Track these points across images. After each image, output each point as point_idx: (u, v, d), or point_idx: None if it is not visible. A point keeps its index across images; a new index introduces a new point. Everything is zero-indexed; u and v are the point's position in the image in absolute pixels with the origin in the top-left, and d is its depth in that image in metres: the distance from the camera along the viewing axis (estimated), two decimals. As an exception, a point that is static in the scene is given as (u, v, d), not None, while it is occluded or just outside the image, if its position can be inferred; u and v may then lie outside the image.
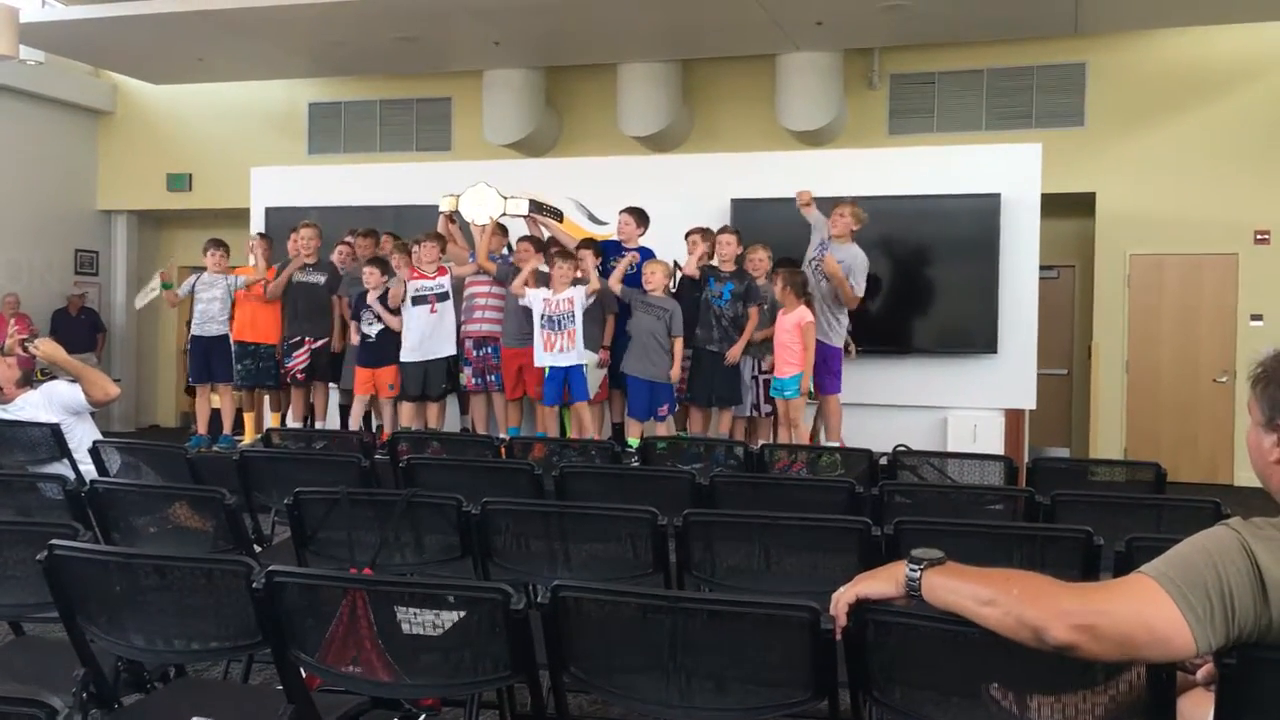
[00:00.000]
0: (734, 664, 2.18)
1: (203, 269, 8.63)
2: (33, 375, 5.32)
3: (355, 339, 7.94)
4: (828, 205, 7.55)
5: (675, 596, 2.39)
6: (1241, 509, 3.90)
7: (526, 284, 7.37)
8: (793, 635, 2.07)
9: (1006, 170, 8.49)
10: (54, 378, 5.63)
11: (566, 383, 7.27)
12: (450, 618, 2.29)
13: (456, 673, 2.34)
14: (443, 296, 7.69)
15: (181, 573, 2.48)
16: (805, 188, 7.66)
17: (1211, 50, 10.33)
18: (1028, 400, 8.47)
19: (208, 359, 8.48)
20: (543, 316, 7.22)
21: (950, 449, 8.05)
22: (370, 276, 7.76)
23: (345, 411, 8.59)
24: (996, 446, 8.21)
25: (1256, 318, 10.19)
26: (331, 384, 8.48)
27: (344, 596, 2.33)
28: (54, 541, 2.47)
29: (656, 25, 10.01)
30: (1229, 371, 10.27)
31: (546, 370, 7.31)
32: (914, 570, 1.90)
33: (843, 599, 1.95)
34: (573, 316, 7.17)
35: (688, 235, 7.68)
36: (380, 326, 7.80)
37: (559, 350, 7.20)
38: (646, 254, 7.72)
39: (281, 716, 2.35)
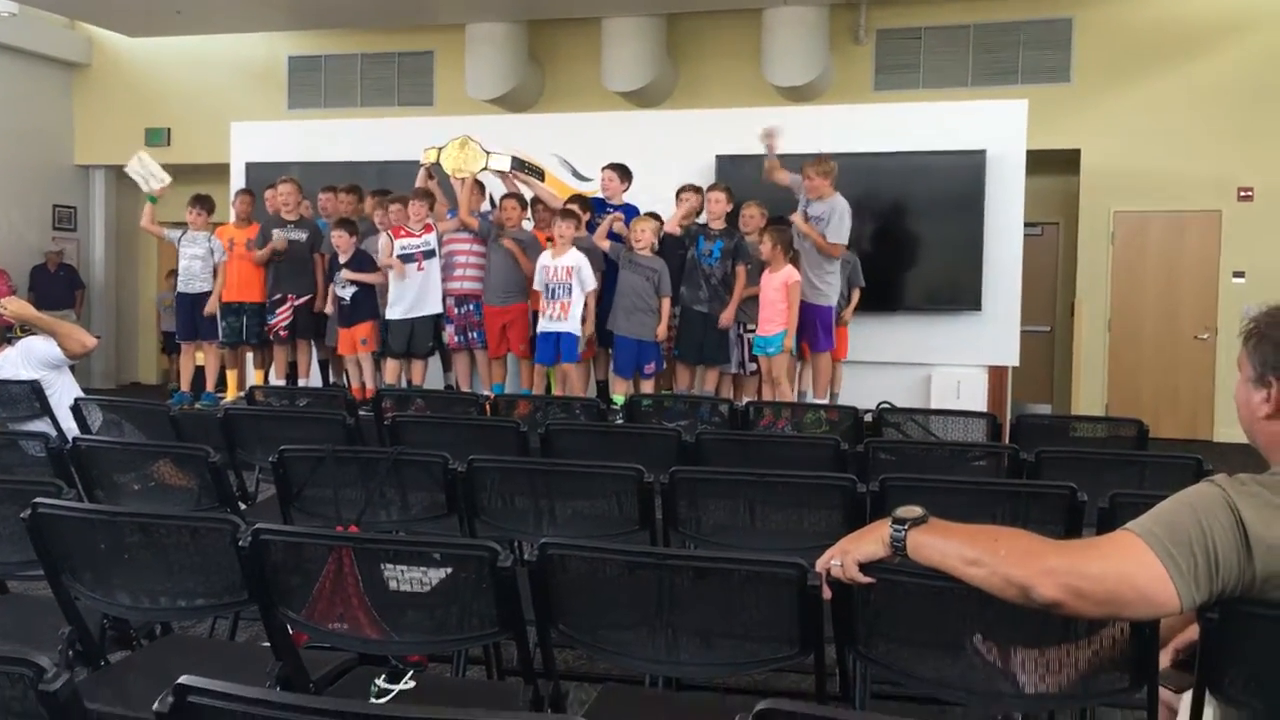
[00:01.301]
0: (721, 620, 2.19)
1: (184, 225, 8.57)
2: (9, 333, 5.26)
3: (330, 304, 7.90)
4: (799, 163, 7.42)
5: (663, 554, 2.40)
6: (1222, 465, 3.94)
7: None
8: (780, 591, 2.08)
9: (992, 127, 8.46)
10: (33, 333, 5.59)
11: (559, 342, 7.26)
12: (437, 575, 2.30)
13: (444, 629, 2.35)
14: (429, 254, 7.64)
15: (167, 530, 2.47)
16: (770, 130, 7.36)
17: (1198, 6, 10.29)
18: (1011, 357, 8.50)
19: (192, 316, 8.47)
20: (542, 284, 7.21)
21: (934, 406, 8.09)
22: (339, 240, 7.70)
23: (324, 368, 8.56)
24: (980, 403, 8.25)
25: (1239, 275, 10.23)
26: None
27: (330, 554, 2.33)
28: (38, 500, 2.46)
29: (641, -22, 9.90)
30: (1210, 329, 10.33)
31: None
32: (898, 530, 1.90)
33: (848, 561, 1.95)
34: (568, 289, 7.14)
35: (679, 192, 7.63)
36: (354, 289, 7.75)
37: (550, 318, 7.19)
38: (632, 212, 7.68)
39: (270, 673, 2.36)
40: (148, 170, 8.48)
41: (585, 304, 7.22)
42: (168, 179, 8.51)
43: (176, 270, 8.79)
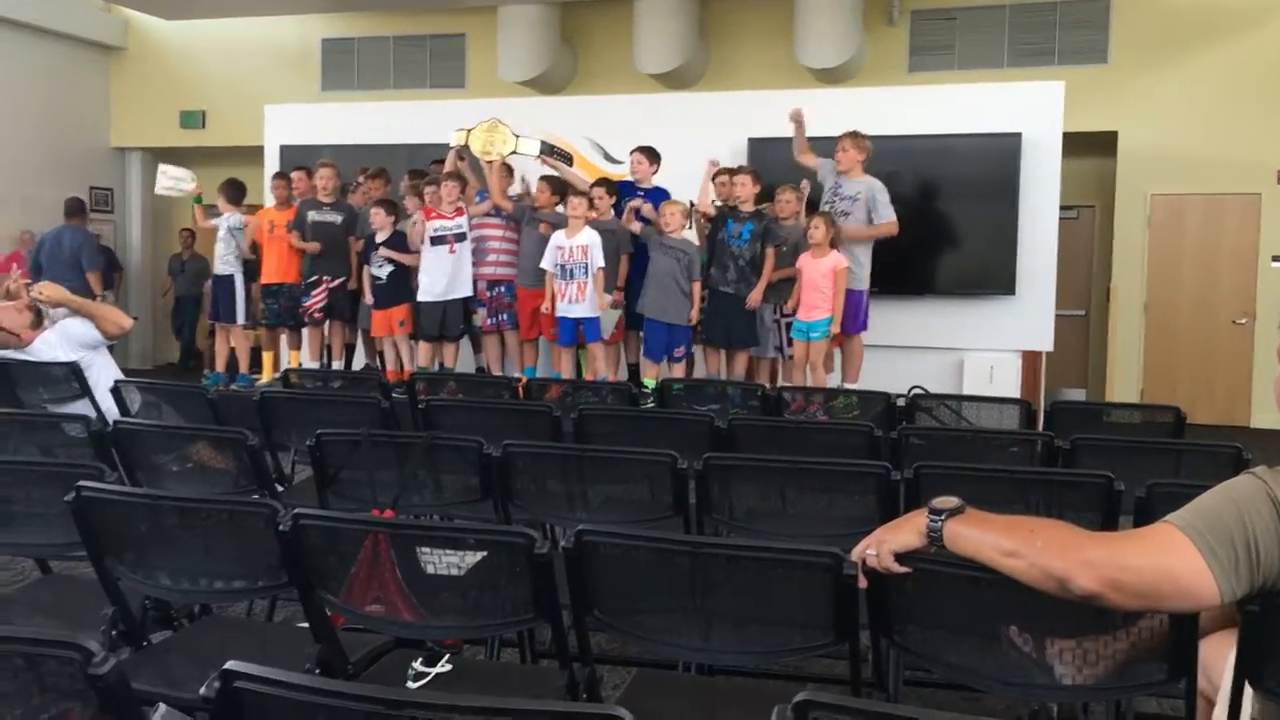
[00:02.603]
0: (755, 607, 2.20)
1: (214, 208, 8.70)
2: (44, 314, 5.33)
3: (367, 283, 7.95)
4: (833, 146, 7.39)
5: (699, 542, 2.41)
6: (1259, 452, 3.90)
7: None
8: (815, 580, 2.08)
9: (1028, 109, 8.38)
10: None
11: (580, 325, 7.28)
12: (473, 560, 2.32)
13: (479, 614, 2.37)
14: (460, 237, 7.67)
15: (208, 514, 2.51)
16: (795, 115, 7.36)
17: (1237, -15, 10.13)
18: (1045, 342, 8.44)
19: (217, 298, 8.62)
20: (556, 265, 7.21)
21: (966, 391, 8.06)
22: (377, 218, 7.76)
23: (351, 351, 8.62)
24: (1013, 388, 8.20)
25: (1278, 259, 10.09)
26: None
27: (367, 538, 2.35)
28: (82, 483, 2.49)
29: (673, -41, 9.85)
30: (1249, 313, 10.20)
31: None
32: (935, 520, 1.90)
33: (883, 550, 1.95)
34: (585, 268, 7.14)
35: (715, 177, 7.62)
36: (390, 268, 7.79)
37: (569, 300, 7.20)
38: (661, 195, 7.66)
39: (309, 656, 2.39)
40: (175, 179, 8.64)
41: (597, 282, 7.22)
42: (193, 175, 8.68)
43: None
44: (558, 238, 7.25)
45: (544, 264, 7.27)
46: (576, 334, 7.31)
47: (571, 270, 7.19)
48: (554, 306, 7.29)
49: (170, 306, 13.32)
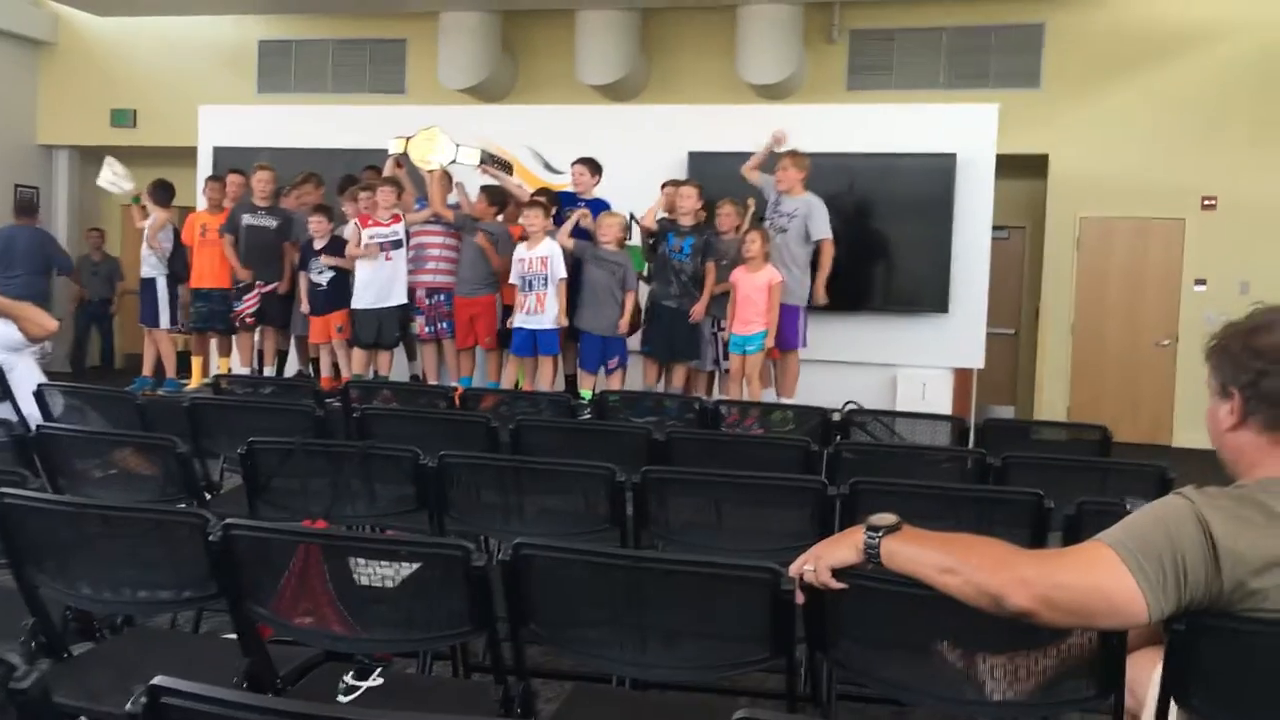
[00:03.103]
0: (693, 621, 2.20)
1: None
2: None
3: (304, 289, 7.83)
4: (774, 164, 7.47)
5: (637, 556, 2.40)
6: (1181, 470, 3.99)
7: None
8: (753, 595, 2.09)
9: (963, 130, 8.52)
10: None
11: (534, 337, 7.25)
12: (406, 571, 2.29)
13: (413, 626, 2.34)
14: (396, 244, 7.60)
15: (135, 522, 2.45)
16: (776, 136, 7.44)
17: (1166, 15, 10.39)
18: (977, 360, 8.58)
19: (143, 301, 8.45)
20: (519, 277, 7.18)
21: (899, 406, 8.14)
22: (317, 224, 7.66)
23: (283, 357, 8.49)
24: (945, 405, 8.32)
25: (1200, 283, 10.36)
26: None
27: (298, 549, 2.31)
28: (2, 490, 2.42)
29: (617, -28, 9.88)
30: (1172, 336, 10.46)
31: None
32: (872, 537, 1.92)
33: (821, 566, 1.96)
34: (545, 279, 7.12)
35: (663, 187, 7.63)
36: (330, 274, 7.70)
37: (527, 312, 7.17)
38: (601, 206, 7.66)
39: (237, 669, 2.34)
40: (118, 175, 8.46)
41: (559, 293, 7.21)
42: (130, 175, 8.52)
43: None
44: (519, 250, 7.22)
45: (512, 279, 7.24)
46: (533, 346, 7.27)
47: (531, 281, 7.16)
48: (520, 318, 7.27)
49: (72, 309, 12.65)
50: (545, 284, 7.13)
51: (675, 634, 2.23)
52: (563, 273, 7.17)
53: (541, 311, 7.17)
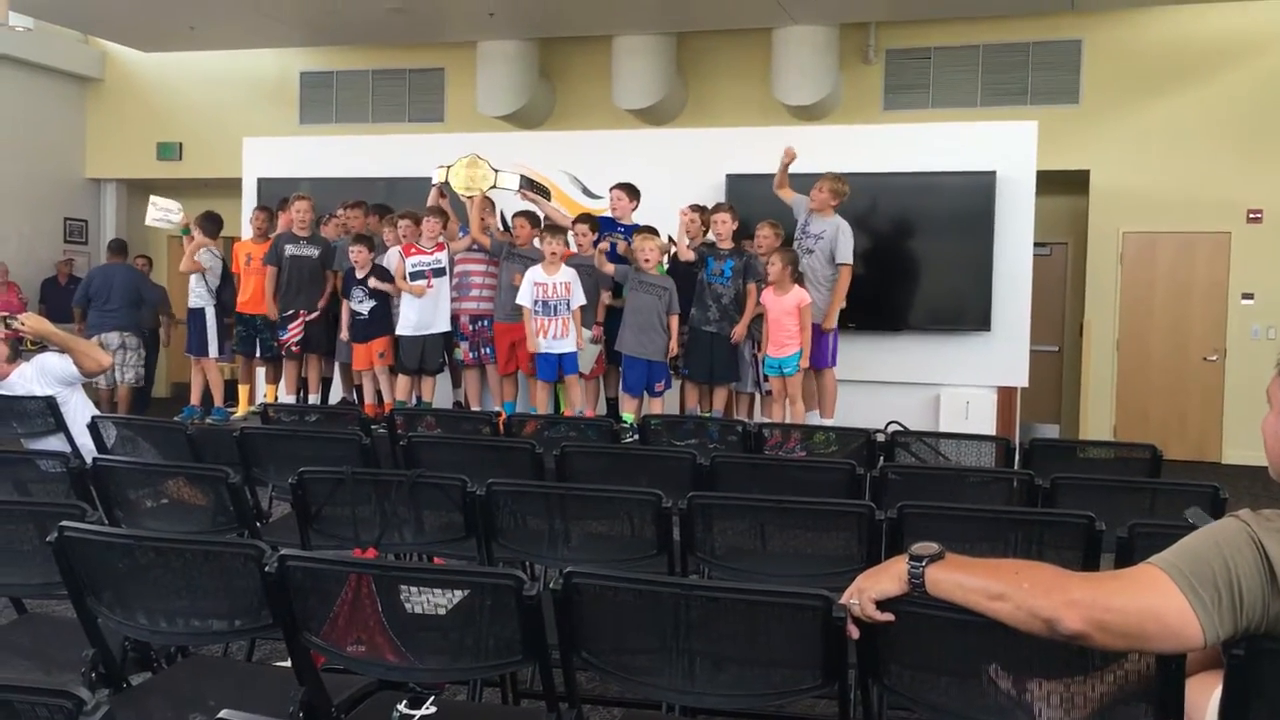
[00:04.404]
0: (744, 648, 2.20)
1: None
2: (20, 347, 5.30)
3: (345, 318, 7.91)
4: (812, 182, 7.48)
5: (688, 584, 2.40)
6: (1231, 488, 3.93)
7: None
8: (804, 622, 2.08)
9: (1002, 148, 8.48)
10: (44, 348, 5.62)
11: (559, 359, 7.28)
12: (458, 600, 2.31)
13: (464, 655, 2.36)
14: (439, 272, 7.66)
15: (192, 555, 2.48)
16: (787, 152, 7.44)
17: (1205, 28, 10.32)
18: (1020, 378, 8.50)
19: (191, 331, 8.55)
20: (536, 301, 7.21)
21: (942, 426, 8.09)
22: (358, 255, 7.74)
23: (327, 384, 8.57)
24: (988, 424, 8.24)
25: (1247, 296, 10.23)
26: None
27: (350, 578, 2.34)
28: (64, 523, 2.47)
29: (652, -3, 9.95)
30: (1219, 350, 10.32)
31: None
32: (916, 566, 1.91)
33: (865, 599, 1.95)
34: (568, 304, 7.16)
35: (683, 212, 7.63)
36: (372, 303, 7.78)
37: (552, 337, 7.20)
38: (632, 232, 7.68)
39: (293, 699, 2.36)
40: (164, 210, 8.60)
41: (576, 319, 7.25)
42: (181, 207, 8.64)
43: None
44: (536, 274, 7.24)
45: (521, 300, 7.26)
46: (558, 370, 7.31)
47: (555, 306, 7.19)
48: (533, 343, 7.28)
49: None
50: (567, 308, 7.18)
51: (725, 661, 2.23)
52: (582, 299, 7.22)
53: (565, 336, 7.21)
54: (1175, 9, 10.25)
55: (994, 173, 8.36)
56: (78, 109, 13.44)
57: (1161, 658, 1.87)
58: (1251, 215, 10.20)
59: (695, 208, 7.67)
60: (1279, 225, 10.10)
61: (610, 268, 7.46)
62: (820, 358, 7.29)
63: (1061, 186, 10.12)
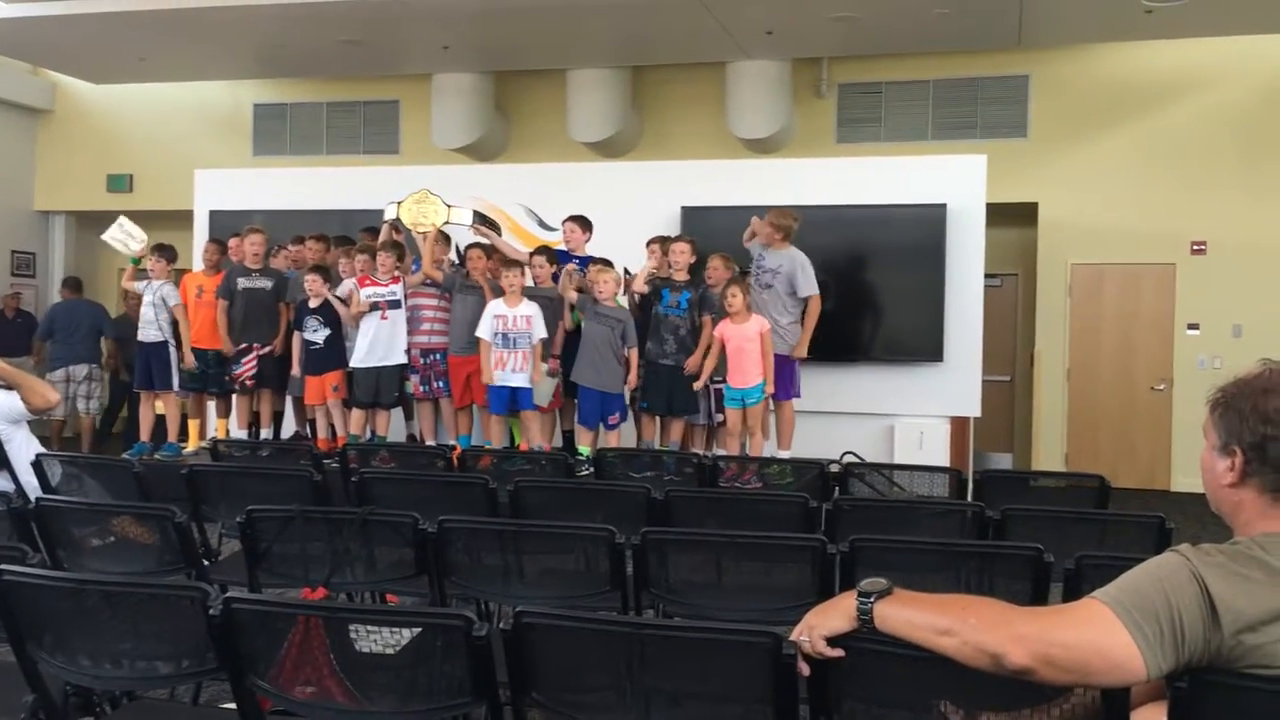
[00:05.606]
0: (697, 687, 2.19)
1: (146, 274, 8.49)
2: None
3: (298, 350, 7.82)
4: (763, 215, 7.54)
5: (640, 623, 2.40)
6: (1180, 515, 3.98)
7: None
8: (754, 660, 2.08)
9: (952, 181, 8.60)
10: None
11: (513, 392, 7.24)
12: (406, 640, 2.29)
13: (414, 696, 2.33)
14: (394, 304, 7.62)
15: (136, 598, 2.44)
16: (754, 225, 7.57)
17: (1151, 64, 10.56)
18: (973, 408, 8.59)
19: (148, 365, 8.34)
20: (496, 334, 7.18)
21: (897, 456, 8.15)
22: (313, 284, 7.67)
23: (279, 418, 8.47)
24: (942, 453, 8.32)
25: (1193, 327, 10.43)
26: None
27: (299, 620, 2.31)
28: (3, 567, 2.42)
29: (607, 31, 10.01)
30: (1166, 379, 10.50)
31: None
32: (864, 603, 1.92)
33: (814, 636, 1.96)
34: (529, 337, 7.14)
35: (649, 244, 7.65)
36: (326, 333, 7.71)
37: (512, 369, 7.17)
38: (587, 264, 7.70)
39: (239, 744, 2.33)
40: (127, 234, 8.47)
41: (536, 353, 7.24)
42: (145, 238, 8.50)
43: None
44: (497, 306, 7.23)
45: (480, 333, 7.23)
46: (511, 402, 7.27)
47: (515, 339, 7.17)
48: (488, 375, 7.24)
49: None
50: (528, 341, 7.16)
51: (677, 699, 2.22)
52: (543, 332, 7.20)
53: (524, 369, 7.18)
54: (1120, 46, 10.49)
55: (945, 205, 8.48)
56: (27, 140, 13.28)
57: (1107, 690, 1.89)
58: (1195, 247, 10.41)
59: (660, 240, 7.68)
60: (1222, 256, 10.31)
61: (574, 295, 7.45)
62: (784, 389, 7.32)
63: (1011, 218, 10.28)
